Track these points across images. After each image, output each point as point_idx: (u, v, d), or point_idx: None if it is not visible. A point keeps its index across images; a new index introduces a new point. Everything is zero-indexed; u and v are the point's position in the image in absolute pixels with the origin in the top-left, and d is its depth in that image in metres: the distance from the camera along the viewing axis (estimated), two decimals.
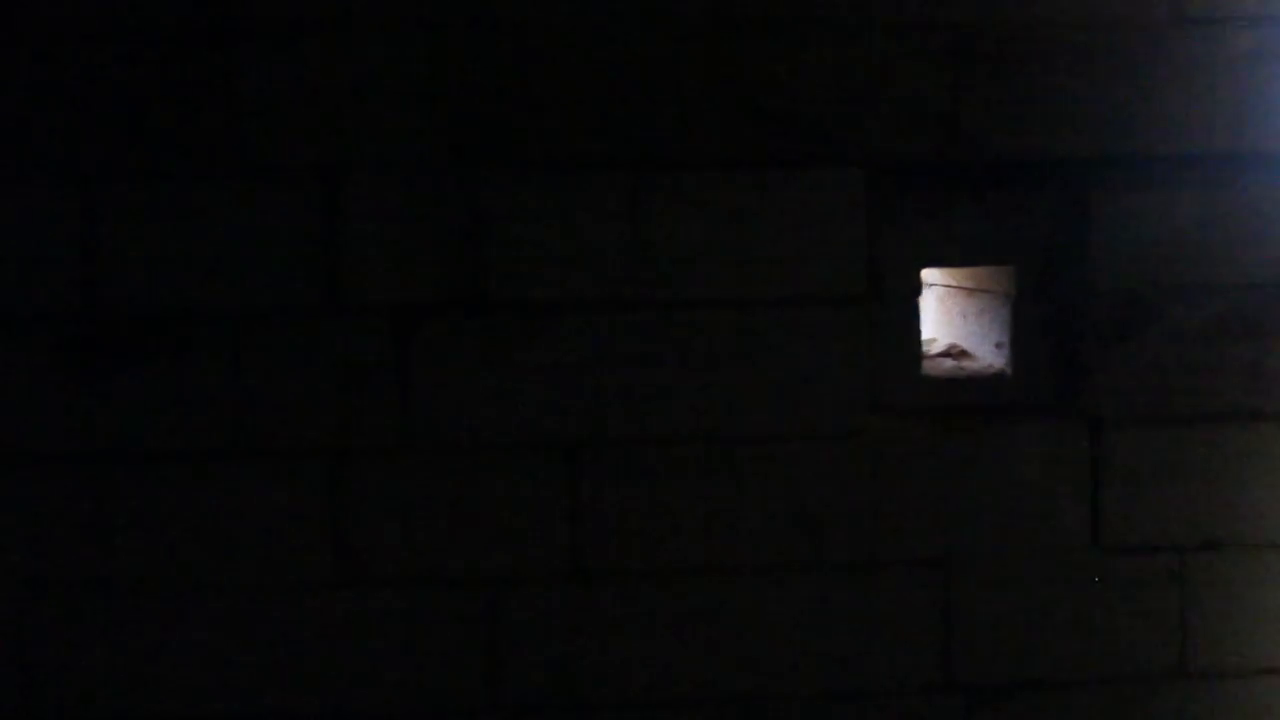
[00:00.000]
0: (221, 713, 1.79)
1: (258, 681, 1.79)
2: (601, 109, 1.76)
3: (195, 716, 1.79)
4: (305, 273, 1.76)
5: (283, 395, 1.77)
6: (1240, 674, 1.89)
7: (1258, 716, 1.89)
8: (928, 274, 1.95)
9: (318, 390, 1.77)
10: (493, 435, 1.79)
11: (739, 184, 1.79)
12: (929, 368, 1.93)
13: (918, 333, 1.89)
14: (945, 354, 2.00)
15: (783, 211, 1.80)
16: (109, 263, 1.75)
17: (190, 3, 1.74)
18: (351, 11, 1.75)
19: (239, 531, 1.78)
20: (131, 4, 1.73)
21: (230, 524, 1.78)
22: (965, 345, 2.01)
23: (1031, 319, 1.90)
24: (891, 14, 1.80)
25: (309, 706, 1.80)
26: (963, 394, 1.91)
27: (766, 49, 1.79)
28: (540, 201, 1.77)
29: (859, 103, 1.80)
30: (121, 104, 1.74)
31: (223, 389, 1.76)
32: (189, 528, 1.77)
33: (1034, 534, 1.86)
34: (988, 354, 1.97)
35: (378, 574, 1.80)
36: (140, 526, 1.77)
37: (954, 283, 2.00)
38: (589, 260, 1.79)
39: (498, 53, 1.75)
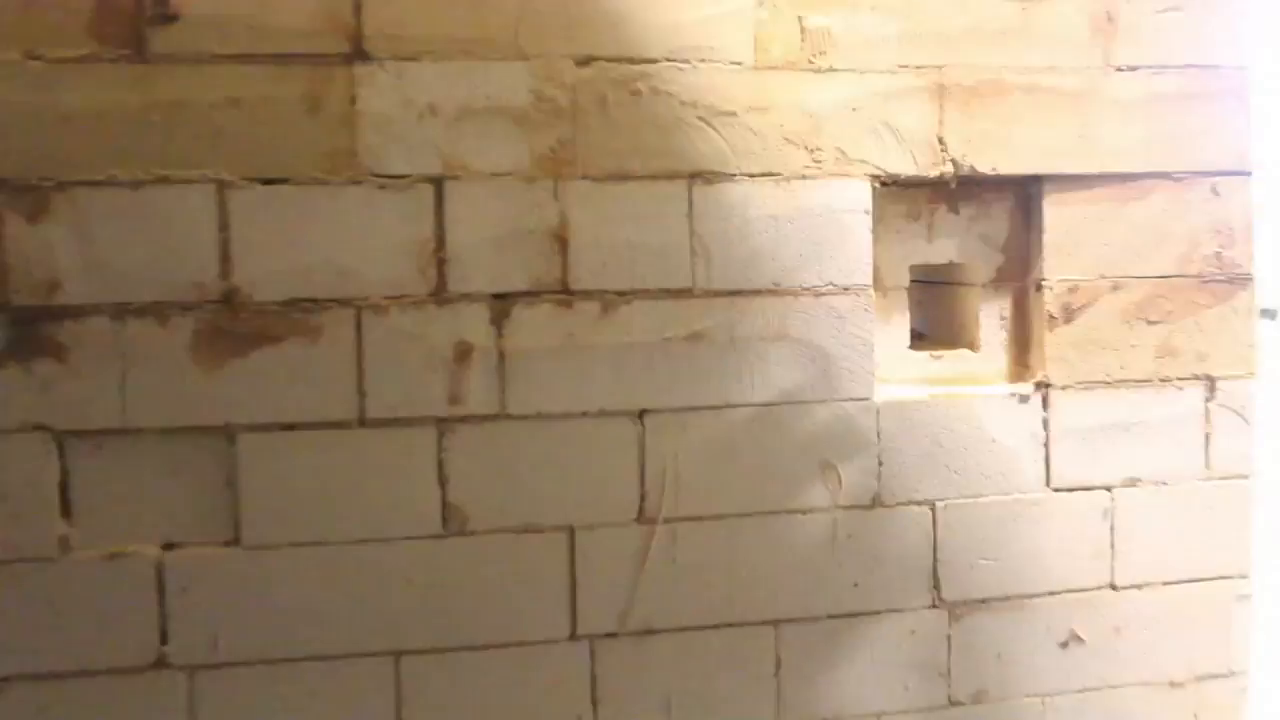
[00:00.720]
0: (342, 635, 2.08)
1: (378, 619, 2.09)
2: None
3: (336, 647, 2.07)
4: (418, 264, 2.07)
5: (397, 370, 2.07)
6: (1155, 585, 2.37)
7: (1170, 619, 2.38)
8: (913, 269, 2.37)
9: (429, 366, 2.08)
10: (570, 403, 2.13)
11: (775, 190, 2.19)
12: (915, 346, 2.35)
13: (907, 317, 2.31)
14: (925, 335, 2.44)
15: (810, 215, 2.20)
16: (246, 258, 2.02)
17: (330, 38, 2.02)
18: (451, 48, 2.07)
19: (361, 493, 2.07)
20: (272, 33, 2.00)
21: (353, 487, 2.06)
22: (945, 329, 2.44)
23: (993, 306, 2.35)
24: (893, 60, 2.21)
25: (421, 640, 2.11)
26: (941, 367, 2.34)
27: (797, 87, 2.18)
28: (626, 209, 2.12)
29: (869, 129, 2.21)
30: (267, 127, 2.01)
31: (346, 367, 2.05)
32: (311, 491, 2.05)
33: (1003, 478, 2.30)
34: (962, 336, 2.40)
35: (477, 526, 2.11)
36: (272, 493, 2.05)
37: (934, 277, 2.43)
38: (648, 257, 2.14)
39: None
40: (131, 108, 1.98)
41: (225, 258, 2.01)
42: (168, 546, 2.03)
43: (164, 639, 2.03)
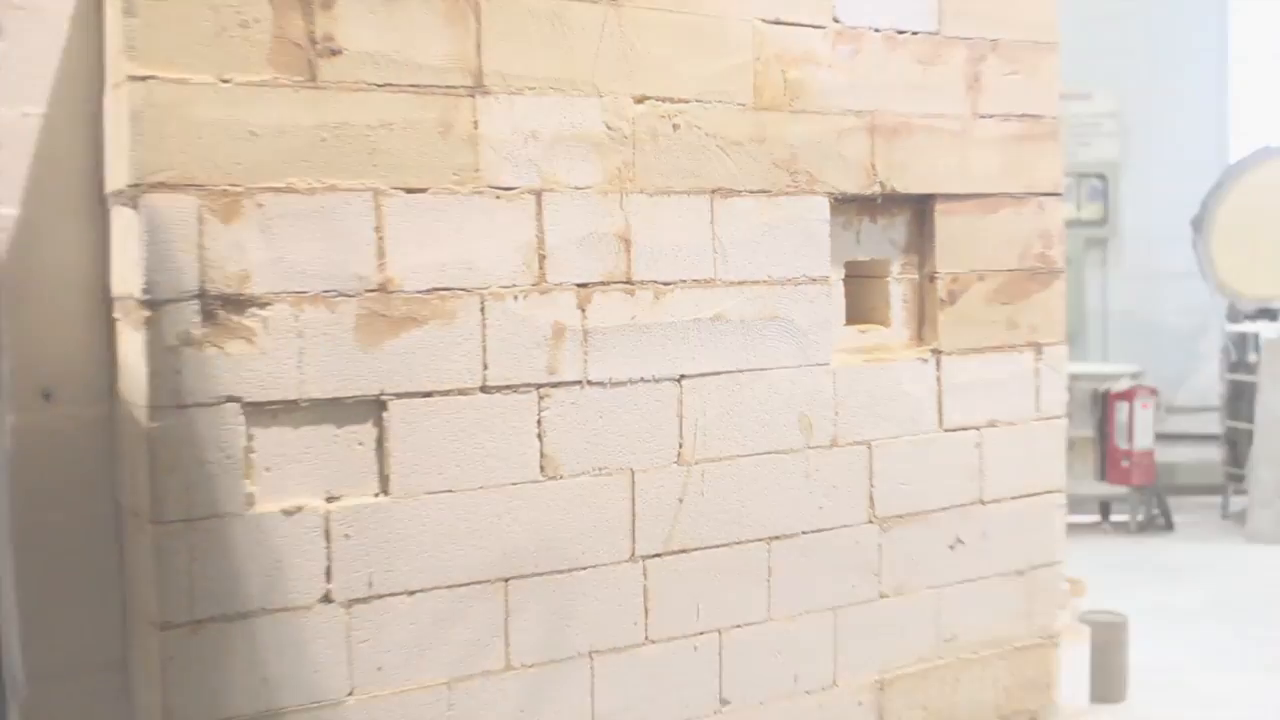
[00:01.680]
0: (464, 566, 2.52)
1: (492, 552, 2.54)
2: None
3: (460, 577, 2.50)
4: (525, 260, 2.54)
5: (510, 347, 2.53)
6: (1007, 500, 3.20)
7: (1016, 524, 3.21)
8: (846, 265, 3.06)
9: (533, 343, 2.56)
10: (637, 371, 2.67)
11: (766, 204, 2.82)
12: (848, 324, 3.05)
13: (844, 302, 3.01)
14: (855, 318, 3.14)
15: (790, 223, 2.85)
16: (396, 255, 2.42)
17: (458, 73, 2.46)
18: (546, 85, 2.56)
19: (481, 447, 2.51)
20: (415, 67, 2.42)
21: (474, 443, 2.51)
22: (867, 311, 3.15)
23: (899, 292, 3.09)
24: (842, 106, 2.91)
25: (524, 567, 2.57)
26: (866, 339, 3.06)
27: (782, 125, 2.82)
28: (670, 217, 2.69)
29: (827, 157, 2.89)
30: (412, 146, 2.42)
31: (473, 345, 2.50)
32: (443, 448, 2.48)
33: (912, 422, 3.05)
34: (877, 315, 3.13)
35: (565, 472, 2.61)
36: (412, 450, 2.45)
37: (860, 271, 3.13)
38: (685, 255, 2.72)
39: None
40: (305, 126, 2.33)
41: (380, 254, 2.41)
42: (330, 499, 2.40)
43: (328, 578, 2.39)
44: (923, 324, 3.11)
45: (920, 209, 3.08)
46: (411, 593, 2.47)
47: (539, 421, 2.58)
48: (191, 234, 2.24)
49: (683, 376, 2.74)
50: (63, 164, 2.38)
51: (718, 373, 2.78)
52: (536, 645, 2.60)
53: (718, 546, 2.80)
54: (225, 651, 2.30)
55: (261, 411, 2.32)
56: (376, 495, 2.44)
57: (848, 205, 2.98)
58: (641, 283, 2.68)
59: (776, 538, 2.88)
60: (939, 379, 3.09)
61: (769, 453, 2.86)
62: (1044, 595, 3.29)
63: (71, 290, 2.40)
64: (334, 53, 2.36)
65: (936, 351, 3.09)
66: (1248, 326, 8.24)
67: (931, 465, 3.09)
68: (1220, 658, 5.11)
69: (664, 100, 2.69)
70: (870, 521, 3.01)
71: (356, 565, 2.41)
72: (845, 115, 2.92)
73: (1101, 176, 9.80)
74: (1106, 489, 8.18)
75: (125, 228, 2.26)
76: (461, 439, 2.50)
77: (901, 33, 2.99)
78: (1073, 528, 7.99)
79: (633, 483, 2.70)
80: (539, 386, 2.58)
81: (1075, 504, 8.25)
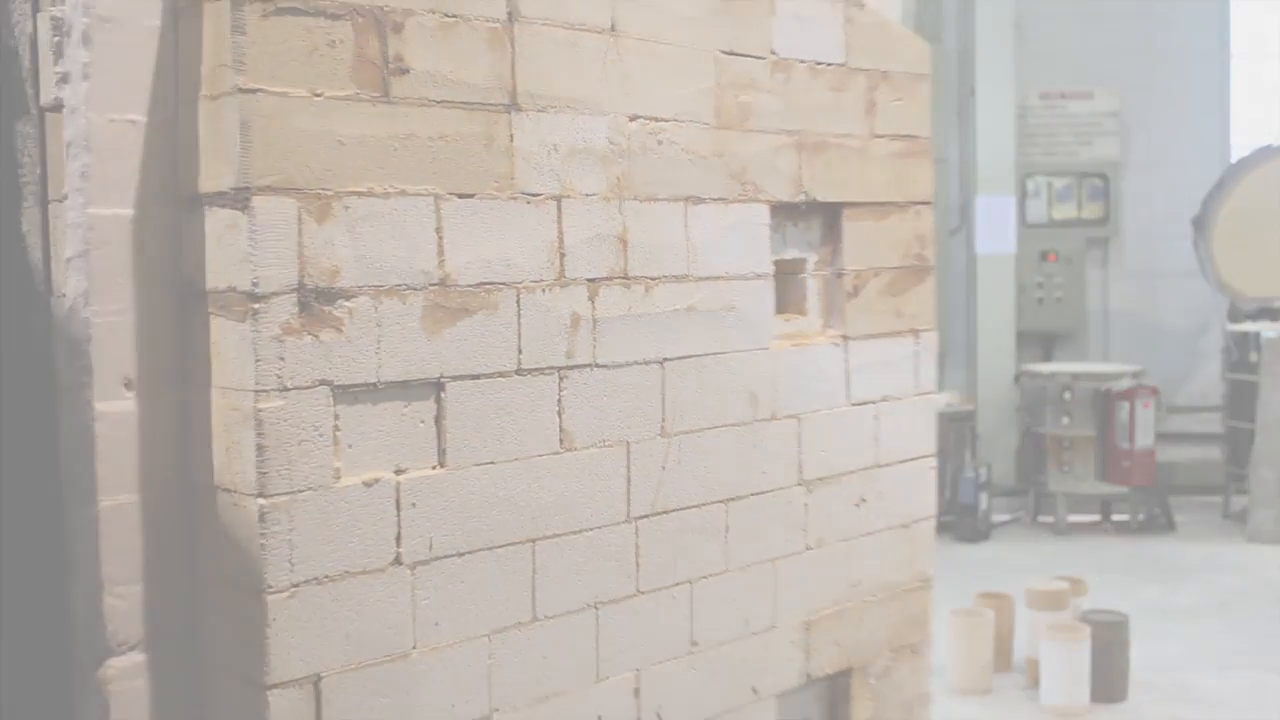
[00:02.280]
0: (501, 529, 2.83)
1: (523, 516, 2.86)
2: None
3: (498, 539, 2.81)
4: (549, 258, 2.88)
5: (538, 334, 2.87)
6: (895, 464, 3.75)
7: (902, 484, 3.77)
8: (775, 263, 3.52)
9: (556, 330, 2.90)
10: (632, 355, 3.05)
11: (724, 210, 3.25)
12: (778, 314, 3.52)
13: (774, 295, 3.47)
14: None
15: (742, 227, 3.29)
16: (453, 252, 2.71)
17: (498, 92, 2.77)
18: (563, 104, 2.90)
19: (515, 423, 2.83)
20: (465, 86, 2.72)
21: (510, 420, 2.82)
22: (788, 302, 3.62)
23: (815, 286, 3.59)
24: (778, 126, 3.37)
25: (547, 529, 2.90)
26: (789, 327, 3.53)
27: (736, 142, 3.26)
28: (655, 221, 3.08)
29: (768, 170, 3.35)
30: (462, 155, 2.72)
31: (511, 333, 2.82)
32: (486, 423, 2.79)
33: (829, 398, 3.55)
34: (795, 305, 3.61)
35: (578, 444, 2.96)
36: (463, 426, 2.75)
37: (784, 269, 3.59)
38: (667, 254, 3.12)
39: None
40: (380, 136, 2.60)
41: (440, 251, 2.70)
42: (399, 471, 2.67)
43: (398, 543, 2.67)
44: (832, 313, 3.61)
45: (831, 215, 3.59)
46: (461, 554, 2.77)
47: (559, 400, 2.93)
48: (292, 233, 2.48)
49: (665, 359, 3.14)
50: (142, 167, 2.55)
51: (690, 356, 3.19)
52: (555, 599, 2.94)
53: (689, 508, 3.22)
54: (316, 612, 2.54)
55: (346, 393, 2.57)
56: (434, 468, 2.72)
57: (779, 211, 3.45)
58: (636, 278, 3.06)
59: (732, 499, 3.32)
60: (847, 360, 3.61)
61: (726, 425, 3.29)
62: (922, 544, 3.86)
63: (150, 285, 2.57)
64: (403, 72, 2.63)
65: (845, 337, 3.60)
66: (1249, 326, 8.15)
67: (842, 434, 3.60)
68: (1221, 657, 5.19)
69: (651, 119, 3.08)
70: (799, 484, 3.49)
71: (420, 531, 2.70)
72: (780, 134, 3.39)
73: (1102, 176, 9.97)
74: (1107, 489, 8.31)
75: (228, 227, 2.47)
76: (501, 416, 2.82)
77: (820, 64, 3.49)
78: (1074, 527, 8.36)
79: (628, 453, 3.07)
80: (559, 369, 2.92)
81: (1076, 504, 8.54)
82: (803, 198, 3.46)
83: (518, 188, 2.83)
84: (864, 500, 3.67)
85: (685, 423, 3.19)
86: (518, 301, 2.84)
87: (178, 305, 2.61)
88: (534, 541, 2.90)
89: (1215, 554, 7.43)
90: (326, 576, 2.56)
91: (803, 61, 3.44)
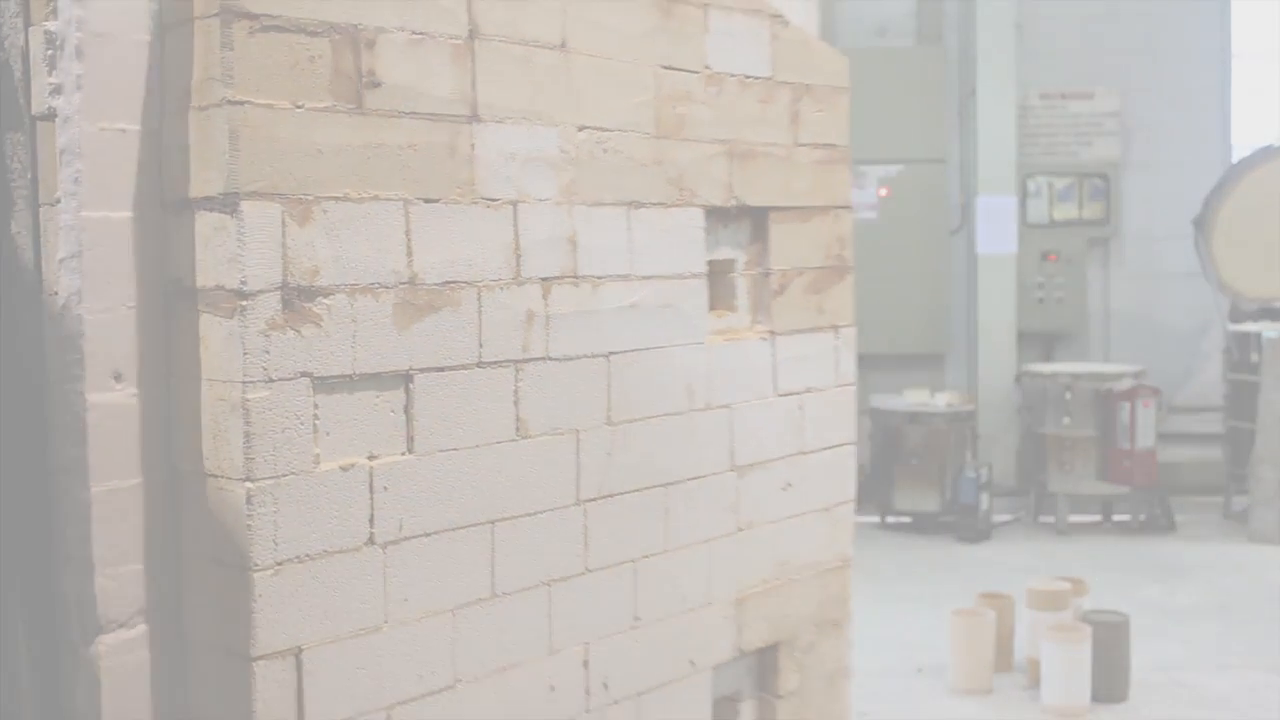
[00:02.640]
0: (464, 511, 3.04)
1: (483, 500, 3.07)
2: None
3: (461, 521, 3.02)
4: (506, 258, 3.09)
5: (497, 329, 3.08)
6: (819, 450, 4.02)
7: (827, 470, 4.04)
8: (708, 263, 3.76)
9: (513, 326, 3.11)
10: (581, 349, 3.27)
11: (663, 214, 3.49)
12: (710, 311, 3.76)
13: (708, 293, 3.72)
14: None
15: (679, 230, 3.53)
16: (420, 253, 2.91)
17: (460, 104, 2.97)
18: (518, 116, 3.12)
19: (475, 412, 3.04)
20: (430, 98, 2.92)
21: (471, 409, 3.03)
22: (719, 298, 3.86)
23: (743, 286, 3.84)
24: (711, 136, 3.62)
25: (505, 511, 3.11)
26: (721, 322, 3.78)
27: (674, 150, 3.50)
28: (602, 224, 3.30)
29: (702, 177, 3.60)
30: (428, 163, 2.92)
31: (473, 328, 3.02)
32: (450, 413, 2.99)
33: (758, 389, 3.81)
34: (725, 302, 3.86)
35: (532, 432, 3.18)
36: (429, 415, 2.95)
37: (718, 269, 3.83)
38: (612, 255, 3.35)
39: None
40: (355, 145, 2.80)
41: (409, 252, 2.90)
42: (371, 458, 2.86)
43: (371, 524, 2.86)
44: (760, 310, 3.87)
45: (759, 218, 3.85)
46: (428, 535, 2.97)
47: (515, 391, 3.14)
48: (277, 235, 2.66)
49: (611, 353, 3.37)
50: (130, 173, 2.72)
51: (633, 350, 3.43)
52: (512, 577, 3.16)
53: (632, 492, 3.45)
54: (298, 589, 2.73)
55: (325, 384, 2.76)
56: (404, 454, 2.92)
57: (712, 215, 3.70)
58: (584, 277, 3.29)
59: (670, 484, 3.56)
60: (774, 354, 3.87)
61: (665, 415, 3.53)
62: (843, 526, 4.14)
63: (137, 284, 2.73)
64: (375, 85, 2.83)
65: (772, 332, 3.86)
66: (1250, 326, 8.11)
67: (770, 423, 3.86)
68: (1222, 658, 5.21)
69: (597, 129, 3.31)
70: (731, 469, 3.74)
71: (391, 513, 2.89)
72: (713, 143, 3.64)
73: (1103, 176, 9.94)
74: (1108, 489, 8.27)
75: (216, 229, 2.65)
76: (464, 406, 3.03)
77: (749, 77, 3.74)
78: (1075, 527, 8.38)
79: (578, 440, 3.30)
80: (516, 362, 3.14)
81: (1078, 504, 8.53)
82: (733, 202, 3.71)
83: (478, 193, 3.04)
84: (790, 485, 3.93)
85: (629, 412, 3.43)
86: (479, 299, 3.05)
87: (163, 303, 2.77)
88: (493, 523, 3.11)
89: (1216, 554, 7.40)
90: (307, 555, 2.74)
91: (733, 75, 3.70)
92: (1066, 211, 10.21)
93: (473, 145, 3.03)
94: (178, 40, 2.71)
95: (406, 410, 2.92)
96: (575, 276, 3.27)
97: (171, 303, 2.77)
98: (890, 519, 9.03)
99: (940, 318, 10.22)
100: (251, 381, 2.64)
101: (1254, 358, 8.10)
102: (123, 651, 2.74)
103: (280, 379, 2.68)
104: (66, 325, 2.67)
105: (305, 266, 2.72)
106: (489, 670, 3.11)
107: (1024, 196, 10.18)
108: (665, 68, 3.49)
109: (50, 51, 2.65)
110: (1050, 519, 8.80)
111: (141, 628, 2.77)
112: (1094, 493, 8.46)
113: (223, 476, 2.69)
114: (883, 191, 10.10)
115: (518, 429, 3.15)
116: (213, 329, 2.68)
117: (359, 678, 2.84)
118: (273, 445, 2.67)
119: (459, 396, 3.02)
